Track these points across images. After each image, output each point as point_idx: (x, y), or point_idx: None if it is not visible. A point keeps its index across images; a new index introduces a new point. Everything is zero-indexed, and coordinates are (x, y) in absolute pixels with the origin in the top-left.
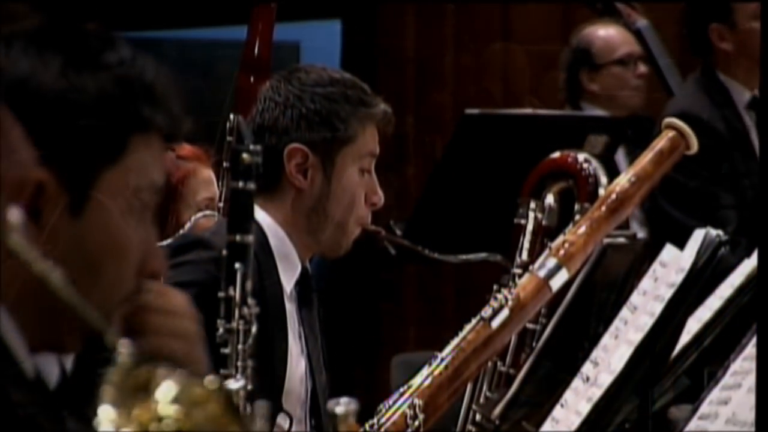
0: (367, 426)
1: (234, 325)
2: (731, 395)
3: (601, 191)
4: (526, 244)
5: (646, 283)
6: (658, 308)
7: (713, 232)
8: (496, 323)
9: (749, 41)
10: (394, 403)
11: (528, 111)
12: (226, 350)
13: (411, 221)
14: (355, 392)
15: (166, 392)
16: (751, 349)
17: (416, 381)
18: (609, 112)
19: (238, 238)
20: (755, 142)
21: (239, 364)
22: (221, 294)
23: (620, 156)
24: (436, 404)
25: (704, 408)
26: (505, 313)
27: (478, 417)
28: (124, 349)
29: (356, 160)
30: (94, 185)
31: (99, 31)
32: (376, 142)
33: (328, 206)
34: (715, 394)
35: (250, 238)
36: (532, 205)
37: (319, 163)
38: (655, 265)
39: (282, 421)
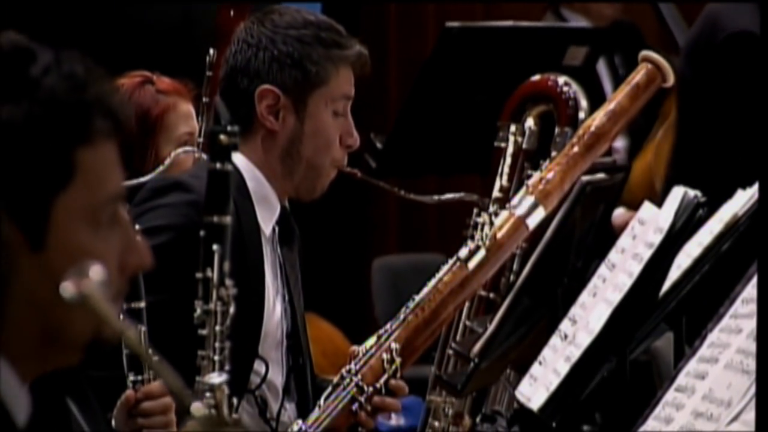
0: (344, 371)
1: (211, 306)
2: (708, 369)
3: (581, 115)
4: (506, 168)
5: (624, 240)
6: (635, 268)
7: (691, 192)
8: (472, 264)
9: None
10: (371, 346)
11: (509, 23)
12: (204, 331)
13: (391, 134)
14: (337, 296)
15: None
16: (728, 321)
17: (393, 324)
18: (586, 19)
19: (215, 219)
20: None
21: (217, 345)
22: (199, 275)
23: (601, 67)
24: (413, 347)
25: (681, 379)
26: (481, 253)
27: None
28: (196, 412)
29: (329, 102)
30: (50, 217)
31: (13, 43)
32: (350, 84)
33: (301, 148)
34: (692, 365)
35: (228, 219)
36: (512, 128)
37: (291, 105)
38: (634, 223)
39: (258, 366)
